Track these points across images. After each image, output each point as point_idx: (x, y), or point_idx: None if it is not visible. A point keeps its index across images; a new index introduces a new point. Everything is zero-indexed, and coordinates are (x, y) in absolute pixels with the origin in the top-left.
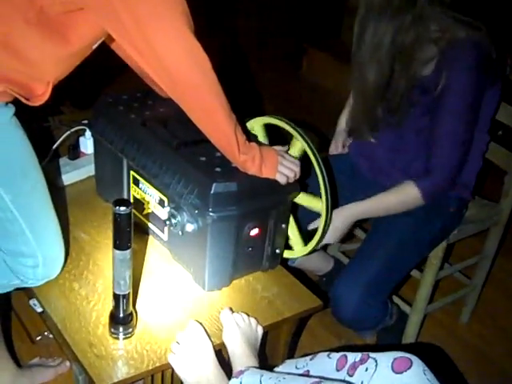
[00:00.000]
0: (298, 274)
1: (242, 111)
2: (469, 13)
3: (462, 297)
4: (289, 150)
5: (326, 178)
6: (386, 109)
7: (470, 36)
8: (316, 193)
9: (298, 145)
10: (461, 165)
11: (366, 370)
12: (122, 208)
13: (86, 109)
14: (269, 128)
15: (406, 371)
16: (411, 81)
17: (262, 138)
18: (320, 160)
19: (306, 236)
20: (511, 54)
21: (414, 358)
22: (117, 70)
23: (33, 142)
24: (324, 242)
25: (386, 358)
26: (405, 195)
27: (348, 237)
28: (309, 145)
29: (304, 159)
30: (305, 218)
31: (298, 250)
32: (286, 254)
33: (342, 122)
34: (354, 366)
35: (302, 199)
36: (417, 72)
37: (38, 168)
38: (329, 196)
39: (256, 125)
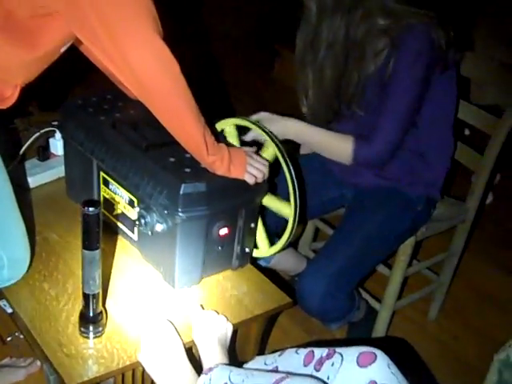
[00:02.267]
0: (269, 274)
1: (213, 113)
2: (423, 5)
3: (430, 293)
4: (260, 151)
5: (295, 183)
6: (341, 101)
7: (419, 22)
8: (284, 193)
9: (270, 149)
10: (396, 144)
11: (332, 364)
12: (91, 208)
13: (54, 110)
14: (240, 129)
15: (370, 365)
16: (364, 72)
17: (233, 139)
18: (290, 164)
19: (273, 236)
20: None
21: (379, 353)
22: (85, 71)
23: (0, 144)
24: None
25: (351, 353)
26: (340, 144)
27: None
28: (278, 147)
29: (275, 161)
30: (272, 218)
31: (264, 250)
32: (258, 253)
33: None
34: (321, 362)
35: (271, 202)
36: (370, 64)
37: (3, 170)
38: (298, 202)
39: (227, 126)
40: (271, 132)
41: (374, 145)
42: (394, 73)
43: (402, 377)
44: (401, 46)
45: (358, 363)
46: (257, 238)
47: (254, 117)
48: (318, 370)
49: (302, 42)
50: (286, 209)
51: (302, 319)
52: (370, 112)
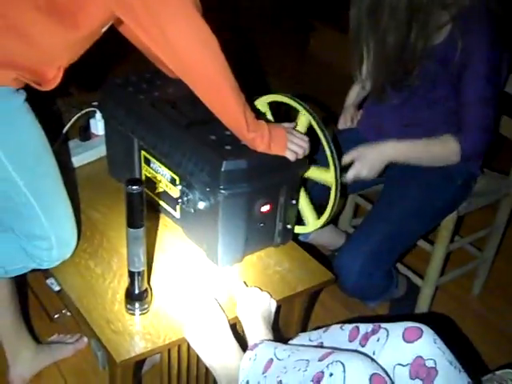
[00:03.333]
0: (310, 249)
1: (248, 89)
2: None
3: (473, 269)
4: (296, 126)
5: (333, 148)
6: (401, 69)
7: (480, 2)
8: (325, 167)
9: (303, 119)
10: (494, 127)
11: (378, 340)
12: (134, 187)
13: (93, 90)
14: (273, 107)
15: (416, 340)
16: (428, 43)
17: (267, 116)
18: (326, 131)
19: (319, 210)
20: None
21: (425, 328)
22: (124, 50)
23: (43, 126)
24: (359, 174)
25: (397, 328)
26: (446, 148)
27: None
28: (313, 117)
29: (312, 135)
30: (316, 192)
31: (311, 223)
32: (299, 229)
33: (352, 97)
34: (366, 337)
35: (311, 172)
36: (432, 36)
37: (50, 152)
38: (337, 166)
39: (260, 104)
40: (306, 104)
41: (476, 135)
42: (468, 56)
43: (448, 352)
44: (467, 28)
45: (403, 338)
46: (304, 211)
47: (347, 158)
48: (363, 346)
49: (359, 11)
50: (327, 175)
51: (344, 296)
52: (427, 82)
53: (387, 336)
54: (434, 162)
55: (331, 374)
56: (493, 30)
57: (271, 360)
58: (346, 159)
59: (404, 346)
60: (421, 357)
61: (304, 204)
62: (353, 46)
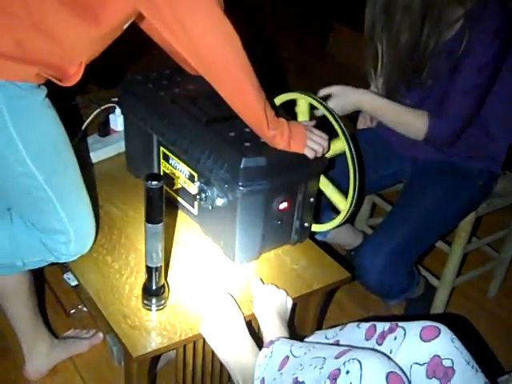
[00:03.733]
0: (326, 248)
1: (268, 88)
2: None
3: (489, 270)
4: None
5: (351, 146)
6: (414, 68)
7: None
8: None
9: (304, 105)
10: (470, 122)
11: (395, 338)
12: (154, 182)
13: (113, 87)
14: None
15: (434, 339)
16: (440, 40)
17: (304, 114)
18: (346, 131)
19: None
20: None
21: (442, 327)
22: (144, 47)
23: (63, 121)
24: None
25: (414, 327)
26: (416, 122)
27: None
28: (333, 115)
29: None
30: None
31: (342, 208)
32: (317, 227)
33: None
34: (383, 336)
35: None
36: (444, 32)
37: (70, 147)
38: (356, 165)
39: (279, 103)
40: (330, 108)
41: (449, 122)
42: (471, 47)
43: (466, 352)
44: (477, 21)
45: (421, 337)
46: (333, 198)
47: (327, 90)
48: (380, 344)
49: (373, 9)
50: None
51: (359, 296)
52: (438, 80)
53: (404, 335)
54: (398, 128)
55: (348, 372)
56: (501, 26)
57: (287, 357)
58: (324, 91)
59: (421, 345)
60: (438, 356)
61: (330, 190)
62: (367, 44)
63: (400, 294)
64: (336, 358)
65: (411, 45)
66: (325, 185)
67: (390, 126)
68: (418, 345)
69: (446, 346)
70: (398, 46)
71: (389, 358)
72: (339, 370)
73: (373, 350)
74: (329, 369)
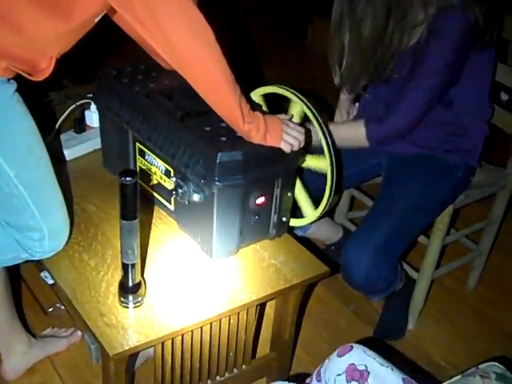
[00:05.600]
0: (304, 243)
1: (244, 82)
2: None
3: (468, 262)
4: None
5: (327, 135)
6: (378, 63)
7: (459, 4)
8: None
9: (297, 107)
10: (418, 122)
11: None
12: (128, 178)
13: (88, 83)
14: (268, 100)
15: (347, 353)
16: (403, 38)
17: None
18: (319, 118)
19: (315, 201)
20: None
21: (355, 344)
22: (118, 42)
23: (36, 117)
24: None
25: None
26: (353, 132)
27: None
28: (305, 103)
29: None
30: (313, 186)
31: (309, 214)
32: (296, 222)
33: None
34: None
35: (307, 161)
36: (408, 32)
37: (42, 143)
38: (332, 152)
39: (255, 97)
40: (298, 93)
41: (387, 124)
42: (426, 52)
43: (380, 358)
44: (435, 27)
45: (337, 355)
46: (300, 202)
47: None
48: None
49: (341, 3)
50: (322, 162)
51: (339, 289)
52: (402, 78)
53: (328, 360)
54: (350, 146)
55: None
56: (459, 34)
57: None
58: None
59: (339, 360)
60: (353, 363)
61: (301, 195)
62: (333, 39)
63: (385, 290)
64: None
65: (374, 39)
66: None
67: (339, 146)
68: (337, 361)
69: (359, 356)
70: (360, 38)
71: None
72: None
73: None
74: None
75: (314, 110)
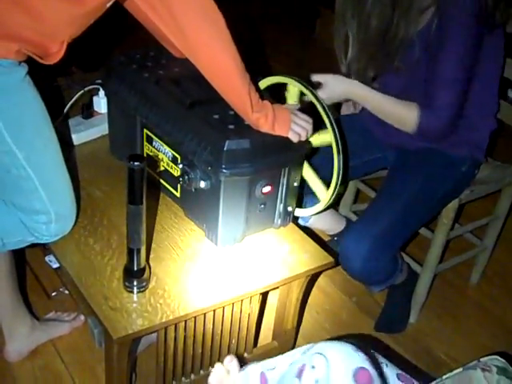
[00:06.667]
0: (308, 233)
1: (252, 73)
2: None
3: (472, 257)
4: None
5: (332, 119)
6: (385, 54)
7: None
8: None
9: (293, 90)
10: (460, 110)
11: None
12: (136, 163)
13: (96, 69)
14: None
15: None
16: (410, 27)
17: (293, 98)
18: (331, 116)
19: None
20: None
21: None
22: (128, 29)
23: (46, 102)
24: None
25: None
26: (405, 111)
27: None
28: (319, 101)
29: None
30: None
31: (322, 197)
32: (300, 212)
33: None
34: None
35: (314, 139)
36: (415, 20)
37: (51, 126)
38: (336, 130)
39: (266, 84)
40: (317, 94)
41: (440, 114)
42: (445, 36)
43: (376, 354)
44: (447, 9)
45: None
46: (314, 185)
47: (319, 77)
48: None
49: None
50: (326, 136)
51: (342, 281)
52: (412, 67)
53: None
54: (390, 120)
55: (313, 367)
56: (472, 14)
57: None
58: (315, 78)
59: None
60: None
61: (312, 178)
62: (338, 29)
63: (384, 281)
64: (303, 353)
65: (381, 30)
66: (307, 172)
67: (381, 117)
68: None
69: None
70: (368, 30)
71: (357, 348)
72: (304, 365)
73: (341, 341)
74: (296, 365)
75: (325, 105)
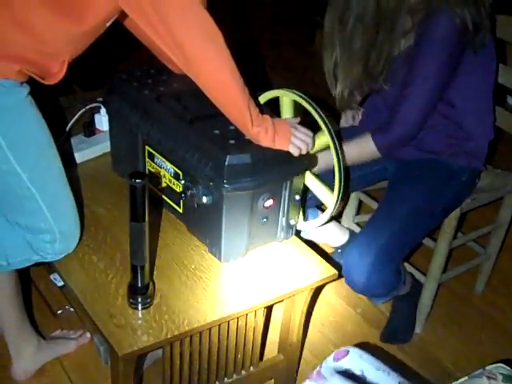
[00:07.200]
0: (311, 246)
1: (251, 86)
2: None
3: (476, 266)
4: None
5: (337, 144)
6: (369, 75)
7: (446, 8)
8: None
9: (287, 101)
10: (417, 127)
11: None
12: (138, 180)
13: (97, 88)
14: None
15: (343, 358)
16: (394, 48)
17: (288, 109)
18: (331, 127)
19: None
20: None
21: (351, 348)
22: (128, 47)
23: (48, 121)
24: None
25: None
26: (361, 147)
27: None
28: (317, 111)
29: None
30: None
31: (331, 202)
32: (302, 225)
33: None
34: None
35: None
36: (399, 41)
37: (54, 146)
38: (332, 131)
39: (263, 100)
40: (315, 104)
41: (392, 131)
42: (418, 57)
43: (377, 363)
44: (425, 32)
45: (334, 358)
46: (320, 193)
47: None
48: None
49: (331, 17)
50: (323, 139)
51: (346, 292)
52: (396, 87)
53: (325, 362)
54: (364, 161)
55: None
56: (448, 37)
57: None
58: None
59: (334, 365)
60: (349, 369)
61: (317, 187)
62: (326, 50)
63: (387, 294)
64: None
65: (363, 52)
66: (311, 181)
67: (350, 164)
68: (332, 365)
69: (355, 361)
70: (350, 52)
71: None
72: None
73: None
74: None
75: (324, 116)
